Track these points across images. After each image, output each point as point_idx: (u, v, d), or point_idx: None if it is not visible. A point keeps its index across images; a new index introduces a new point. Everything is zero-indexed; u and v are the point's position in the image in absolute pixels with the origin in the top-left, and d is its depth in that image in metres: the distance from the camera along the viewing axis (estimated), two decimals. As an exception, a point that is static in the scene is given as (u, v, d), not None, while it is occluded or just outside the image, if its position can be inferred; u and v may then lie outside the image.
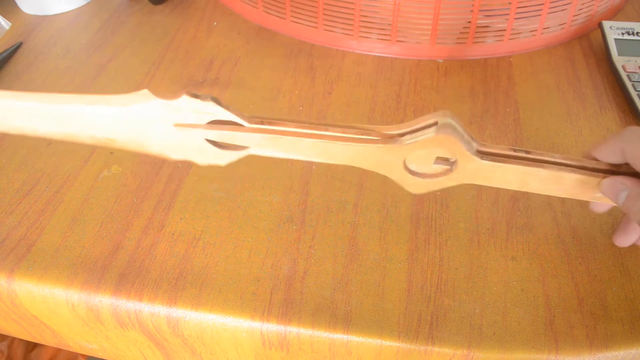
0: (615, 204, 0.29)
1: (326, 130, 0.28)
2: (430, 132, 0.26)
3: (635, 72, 0.45)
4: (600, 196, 0.30)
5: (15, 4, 0.56)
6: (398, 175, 0.29)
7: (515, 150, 0.29)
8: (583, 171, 0.29)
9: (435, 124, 0.27)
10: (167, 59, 0.49)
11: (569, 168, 0.29)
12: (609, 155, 0.30)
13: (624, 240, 0.33)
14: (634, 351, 0.30)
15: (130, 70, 0.48)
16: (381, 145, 0.27)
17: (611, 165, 0.30)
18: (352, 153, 0.28)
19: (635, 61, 0.46)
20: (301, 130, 0.28)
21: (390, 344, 0.30)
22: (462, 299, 0.31)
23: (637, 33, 0.49)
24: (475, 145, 0.28)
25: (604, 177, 0.29)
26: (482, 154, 0.28)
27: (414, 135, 0.27)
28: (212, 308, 0.31)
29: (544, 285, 0.32)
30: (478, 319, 0.31)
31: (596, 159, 0.30)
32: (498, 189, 0.37)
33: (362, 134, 0.28)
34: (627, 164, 0.29)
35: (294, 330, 0.30)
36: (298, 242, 0.34)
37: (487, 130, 0.42)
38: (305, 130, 0.28)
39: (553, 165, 0.29)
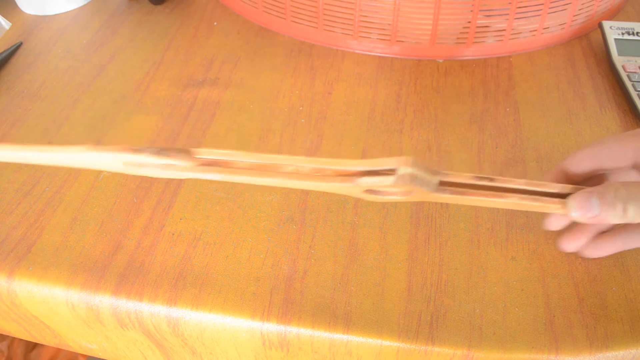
0: (590, 216, 0.28)
1: (278, 168, 0.28)
2: (388, 181, 0.26)
3: (635, 72, 0.45)
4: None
5: (15, 4, 0.56)
6: (357, 196, 0.28)
7: (479, 179, 0.29)
8: (545, 199, 0.29)
9: (395, 171, 0.27)
10: (167, 59, 0.49)
11: (531, 197, 0.29)
12: (585, 162, 0.30)
13: (570, 244, 0.32)
14: (634, 351, 0.30)
15: (130, 70, 0.48)
16: (337, 184, 0.27)
17: (574, 188, 0.30)
18: (308, 187, 0.28)
19: (635, 61, 0.46)
20: (253, 172, 0.28)
21: (390, 344, 0.30)
22: (462, 299, 0.31)
23: (637, 33, 0.49)
24: (436, 179, 0.28)
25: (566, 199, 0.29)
26: (444, 187, 0.28)
27: (372, 180, 0.27)
28: (212, 308, 0.31)
29: (544, 285, 0.32)
30: (478, 319, 0.31)
31: (569, 172, 0.31)
32: (498, 189, 0.37)
33: (316, 172, 0.27)
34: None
35: (294, 330, 0.30)
36: (298, 242, 0.34)
37: (487, 131, 0.42)
38: (256, 172, 0.28)
39: (515, 195, 0.29)
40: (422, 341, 0.30)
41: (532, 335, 0.30)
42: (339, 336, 0.30)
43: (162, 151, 0.27)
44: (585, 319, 0.31)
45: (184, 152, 0.28)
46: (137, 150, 0.27)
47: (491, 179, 0.29)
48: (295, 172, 0.28)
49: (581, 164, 0.31)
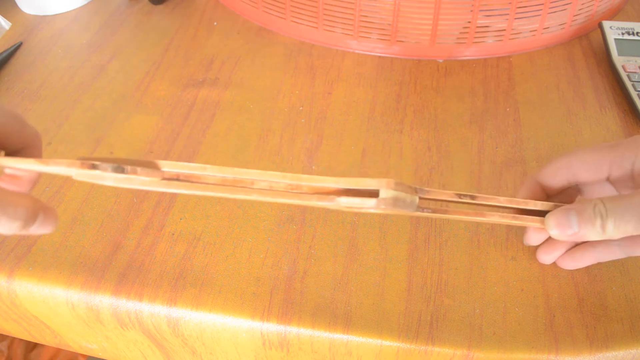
0: (569, 234, 0.28)
1: (250, 184, 0.26)
2: (370, 203, 0.25)
3: (635, 72, 0.45)
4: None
5: (15, 4, 0.56)
6: (335, 209, 0.27)
7: (460, 196, 0.28)
8: (525, 217, 0.30)
9: (377, 193, 0.26)
10: (167, 59, 0.49)
11: (511, 215, 0.29)
12: (560, 173, 0.30)
13: (548, 256, 0.32)
14: (634, 351, 0.30)
15: (130, 70, 0.48)
16: (315, 202, 0.26)
17: (554, 205, 0.30)
18: (287, 202, 0.27)
19: (635, 61, 0.46)
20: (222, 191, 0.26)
21: (390, 344, 0.30)
22: (462, 299, 0.31)
23: (637, 33, 0.49)
24: (417, 198, 0.27)
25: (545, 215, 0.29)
26: (424, 207, 0.28)
27: (352, 200, 0.26)
28: (212, 308, 0.31)
29: (544, 285, 0.32)
30: (478, 319, 0.31)
31: (544, 183, 0.31)
32: (498, 189, 0.37)
33: (292, 189, 0.26)
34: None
35: (294, 330, 0.30)
36: (298, 242, 0.34)
37: (487, 131, 0.42)
38: (226, 189, 0.26)
39: (495, 214, 0.29)
40: (422, 341, 0.30)
41: (532, 335, 0.30)
42: (339, 336, 0.30)
43: (119, 167, 0.25)
44: (585, 319, 0.31)
45: (148, 166, 0.25)
46: (91, 165, 0.24)
47: (473, 197, 0.28)
48: (268, 188, 0.26)
49: (556, 175, 0.31)
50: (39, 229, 0.25)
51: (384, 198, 0.25)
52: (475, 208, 0.28)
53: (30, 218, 0.24)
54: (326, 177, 0.26)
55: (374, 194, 0.26)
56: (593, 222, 0.27)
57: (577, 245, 0.32)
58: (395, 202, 0.26)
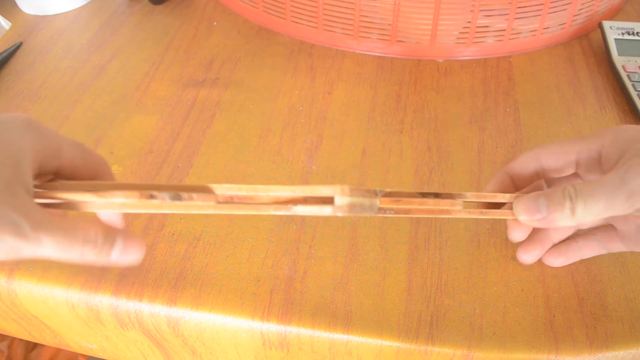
0: (538, 218, 0.27)
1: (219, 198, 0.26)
2: (325, 211, 0.26)
3: (635, 72, 0.45)
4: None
5: (15, 4, 0.56)
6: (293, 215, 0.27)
7: (423, 195, 0.28)
8: (493, 211, 0.29)
9: (332, 200, 0.26)
10: (167, 59, 0.49)
11: (478, 211, 0.29)
12: (529, 163, 0.30)
13: (526, 255, 0.32)
14: (634, 351, 0.30)
15: (130, 70, 0.48)
16: (272, 211, 0.26)
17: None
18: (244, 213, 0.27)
19: (635, 61, 0.46)
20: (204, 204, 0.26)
21: (390, 344, 0.30)
22: (462, 299, 0.31)
23: (637, 33, 0.49)
24: (377, 201, 0.27)
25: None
26: (387, 207, 0.27)
27: (309, 209, 0.26)
28: (212, 308, 0.31)
29: (544, 285, 0.32)
30: (478, 319, 0.31)
31: (514, 174, 0.31)
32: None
33: (250, 200, 0.26)
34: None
35: (294, 330, 0.30)
36: (298, 242, 0.34)
37: (487, 130, 0.42)
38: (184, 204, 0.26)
39: (460, 210, 0.28)
40: (422, 341, 0.30)
41: (532, 335, 0.30)
42: (339, 336, 0.30)
43: (177, 195, 0.25)
44: (585, 319, 0.31)
45: (202, 191, 0.26)
46: (149, 196, 0.24)
47: (437, 195, 0.28)
48: (229, 199, 0.26)
49: (524, 165, 0.30)
50: (121, 257, 0.23)
51: (339, 205, 0.26)
52: (442, 205, 0.28)
53: (105, 242, 0.23)
54: (282, 186, 0.26)
55: (331, 200, 0.26)
56: (562, 205, 0.26)
57: (558, 243, 0.32)
58: (351, 208, 0.26)
